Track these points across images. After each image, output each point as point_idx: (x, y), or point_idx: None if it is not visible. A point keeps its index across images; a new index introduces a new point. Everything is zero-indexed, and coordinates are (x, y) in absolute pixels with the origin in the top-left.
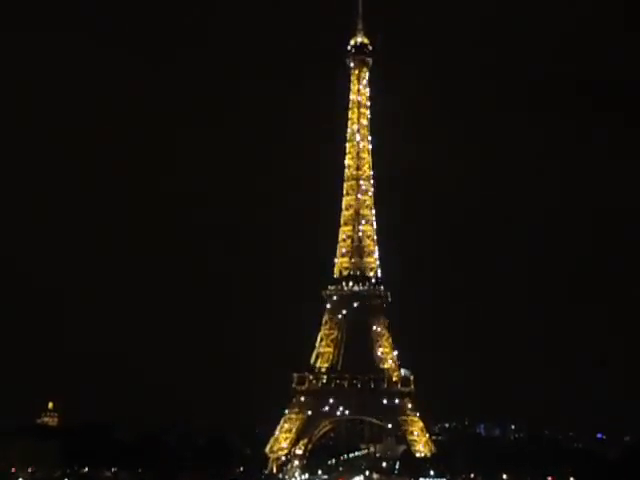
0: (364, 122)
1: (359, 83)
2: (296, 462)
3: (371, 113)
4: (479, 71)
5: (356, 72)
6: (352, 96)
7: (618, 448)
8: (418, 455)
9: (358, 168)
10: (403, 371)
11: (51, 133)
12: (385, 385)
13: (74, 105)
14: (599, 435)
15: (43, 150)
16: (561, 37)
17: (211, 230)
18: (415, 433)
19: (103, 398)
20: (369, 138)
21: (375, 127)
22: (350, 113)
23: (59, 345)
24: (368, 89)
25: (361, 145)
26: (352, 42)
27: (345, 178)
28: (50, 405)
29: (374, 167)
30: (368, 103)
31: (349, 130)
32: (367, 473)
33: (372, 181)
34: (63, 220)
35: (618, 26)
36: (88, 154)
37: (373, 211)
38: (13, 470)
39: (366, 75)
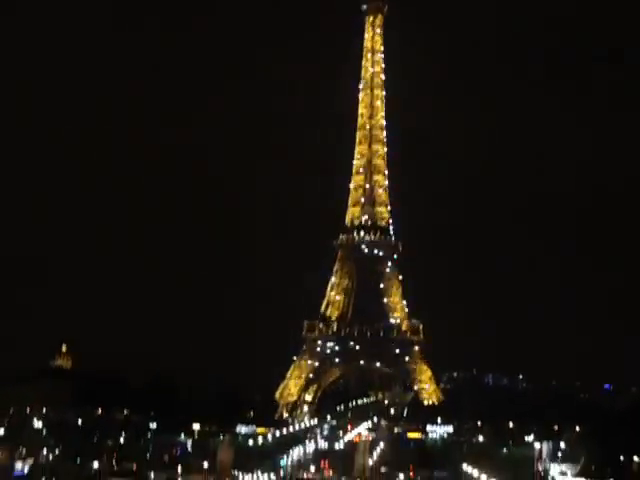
0: (378, 69)
1: (373, 30)
2: (305, 408)
3: (386, 63)
4: (498, 26)
5: (370, 19)
6: (366, 43)
7: (625, 399)
8: (426, 403)
9: (371, 117)
10: (412, 320)
11: (51, 133)
12: (394, 334)
13: (74, 105)
14: (606, 386)
15: (43, 150)
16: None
17: (224, 182)
18: (423, 381)
19: (117, 345)
20: (383, 86)
21: (390, 78)
22: (364, 60)
23: (76, 292)
24: (382, 36)
25: (375, 93)
26: None
27: (358, 127)
28: (64, 348)
29: (388, 117)
30: (382, 49)
31: (362, 78)
32: (375, 419)
33: (385, 131)
34: (63, 220)
35: None
36: (88, 154)
37: (385, 160)
38: (28, 411)
39: (380, 22)
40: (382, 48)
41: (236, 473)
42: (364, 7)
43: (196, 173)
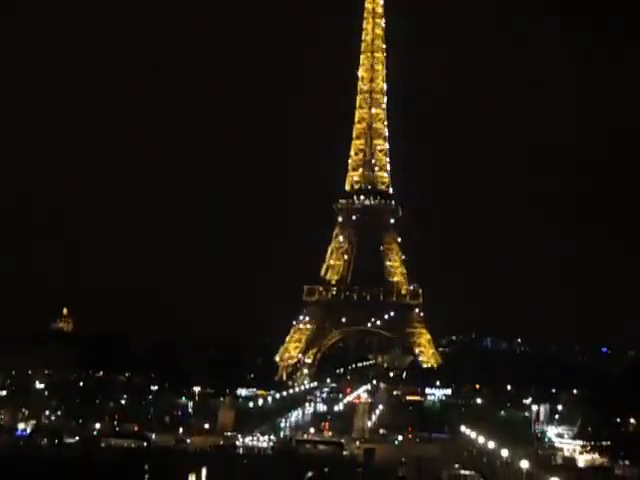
0: (378, 32)
1: None
2: (305, 370)
3: (387, 28)
4: None
5: None
6: (367, 4)
7: (622, 362)
8: (425, 366)
9: (372, 80)
10: (412, 284)
11: (51, 133)
12: (394, 298)
13: (74, 105)
14: (604, 349)
15: (43, 150)
16: None
17: (226, 155)
18: (422, 345)
19: (118, 308)
20: (383, 49)
21: (392, 42)
22: (364, 23)
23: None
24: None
25: (375, 56)
26: None
27: (358, 91)
28: (65, 311)
29: (389, 82)
30: (382, 12)
31: (363, 41)
32: (374, 382)
33: (385, 95)
34: (63, 220)
35: None
36: (88, 154)
37: (386, 124)
38: (29, 372)
39: None
40: (382, 12)
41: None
42: None
43: (196, 173)
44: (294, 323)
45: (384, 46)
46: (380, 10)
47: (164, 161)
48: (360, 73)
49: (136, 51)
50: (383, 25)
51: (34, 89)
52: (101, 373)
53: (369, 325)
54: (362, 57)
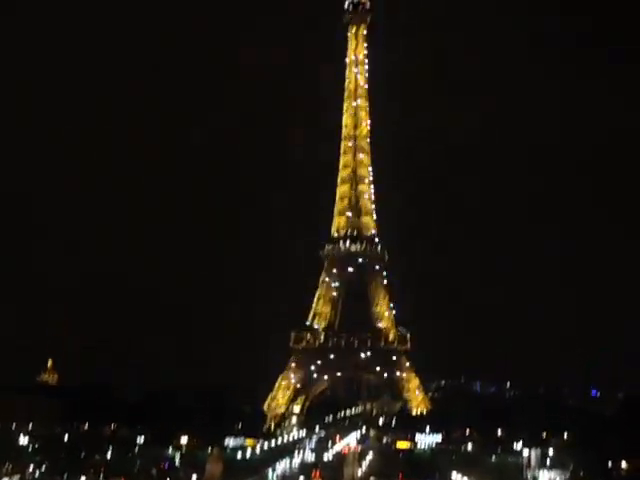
0: (361, 80)
1: (357, 41)
2: (294, 419)
3: (370, 72)
4: (481, 26)
5: (354, 30)
6: (349, 53)
7: (612, 404)
8: (414, 412)
9: (356, 127)
10: (399, 329)
11: (51, 133)
12: (382, 343)
13: (74, 105)
14: (594, 392)
15: (43, 150)
16: None
17: (211, 205)
18: (411, 390)
19: (102, 361)
20: (367, 96)
21: (374, 86)
22: (347, 71)
23: (60, 310)
24: (366, 47)
25: (359, 103)
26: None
27: (343, 137)
28: (49, 363)
29: (372, 126)
30: (366, 61)
31: (346, 88)
32: (364, 430)
33: (369, 140)
34: (63, 220)
35: None
36: (88, 154)
37: (370, 170)
38: (13, 426)
39: (364, 32)
40: (366, 59)
41: None
42: (347, 18)
43: (196, 173)
44: (284, 370)
45: (367, 92)
46: (362, 57)
47: (164, 161)
48: (344, 120)
49: (136, 51)
50: (366, 74)
51: (34, 89)
52: (86, 426)
53: (357, 371)
54: (345, 104)
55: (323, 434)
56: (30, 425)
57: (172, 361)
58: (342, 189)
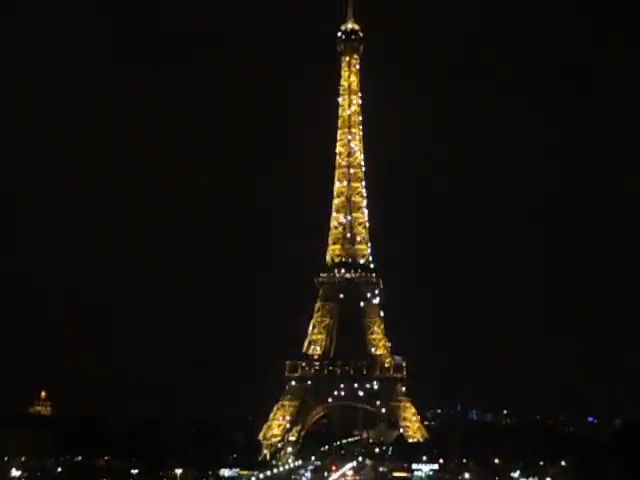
0: (355, 109)
1: (349, 69)
2: (289, 449)
3: (363, 99)
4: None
5: (347, 58)
6: (343, 82)
7: (609, 431)
8: (411, 440)
9: (349, 155)
10: (395, 357)
11: (51, 133)
12: (377, 371)
13: (74, 105)
14: (590, 419)
15: (43, 150)
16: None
17: (209, 221)
18: (408, 419)
19: (97, 391)
20: (360, 125)
21: (367, 113)
22: (341, 100)
23: (55, 339)
24: (358, 75)
25: (352, 132)
26: (342, 28)
27: (336, 165)
28: (43, 394)
29: (366, 153)
30: (359, 89)
31: (340, 117)
32: (360, 459)
33: (363, 168)
34: (63, 220)
35: None
36: (88, 154)
37: (365, 197)
38: (6, 459)
39: (357, 61)
40: (358, 88)
41: None
42: (340, 47)
43: (196, 172)
44: (279, 400)
45: (360, 120)
46: (355, 87)
47: (164, 161)
48: (337, 149)
49: (136, 51)
50: (360, 102)
51: (34, 89)
52: (79, 458)
53: (353, 400)
54: (339, 132)
55: (319, 464)
56: (23, 458)
57: (168, 392)
58: (336, 217)
